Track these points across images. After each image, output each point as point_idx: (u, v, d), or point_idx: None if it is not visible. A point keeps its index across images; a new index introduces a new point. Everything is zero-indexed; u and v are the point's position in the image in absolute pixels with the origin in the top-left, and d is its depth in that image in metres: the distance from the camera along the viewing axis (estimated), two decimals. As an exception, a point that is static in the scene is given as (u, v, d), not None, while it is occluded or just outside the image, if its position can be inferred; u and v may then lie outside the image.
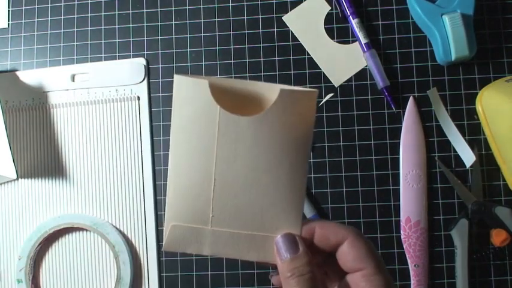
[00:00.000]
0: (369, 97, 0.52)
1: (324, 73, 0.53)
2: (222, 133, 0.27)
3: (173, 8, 0.55)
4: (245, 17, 0.54)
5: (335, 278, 0.28)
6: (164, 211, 0.28)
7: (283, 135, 0.26)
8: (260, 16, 0.54)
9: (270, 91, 0.26)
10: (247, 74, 0.53)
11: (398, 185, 0.51)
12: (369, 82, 0.52)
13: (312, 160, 0.52)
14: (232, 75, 0.54)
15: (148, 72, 0.54)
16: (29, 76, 0.55)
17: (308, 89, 0.26)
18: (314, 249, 0.27)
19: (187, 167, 0.28)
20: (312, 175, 0.52)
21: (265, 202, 0.27)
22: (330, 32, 0.53)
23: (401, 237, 0.50)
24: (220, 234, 0.28)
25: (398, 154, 0.51)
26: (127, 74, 0.54)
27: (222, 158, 0.27)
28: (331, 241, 0.27)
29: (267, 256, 0.28)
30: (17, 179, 0.54)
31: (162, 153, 0.53)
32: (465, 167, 0.50)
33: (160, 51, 0.55)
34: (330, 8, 0.54)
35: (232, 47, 0.54)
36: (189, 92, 0.27)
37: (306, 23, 0.54)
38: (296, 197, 0.27)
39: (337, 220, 0.51)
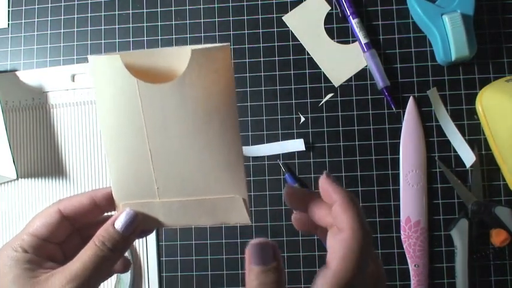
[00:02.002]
0: (369, 97, 0.52)
1: (324, 73, 0.53)
2: (146, 104, 0.26)
3: (173, 8, 0.55)
4: (245, 17, 0.54)
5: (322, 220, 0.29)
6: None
7: (205, 94, 0.26)
8: (260, 16, 0.54)
9: (183, 54, 0.26)
10: (247, 74, 0.53)
11: (398, 185, 0.51)
12: (369, 82, 0.52)
13: (311, 160, 0.52)
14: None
15: (148, 72, 0.54)
16: (29, 76, 0.55)
17: (219, 44, 0.26)
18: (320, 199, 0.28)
19: (121, 144, 0.28)
20: (312, 175, 0.52)
21: (204, 165, 0.27)
22: (330, 32, 0.53)
23: (401, 237, 0.50)
24: (170, 204, 0.28)
25: (398, 154, 0.51)
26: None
27: (152, 129, 0.27)
28: (328, 198, 0.28)
29: (218, 219, 0.28)
30: (17, 179, 0.54)
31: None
32: (465, 167, 0.50)
33: (160, 51, 0.54)
34: (330, 8, 0.54)
35: (232, 47, 0.54)
36: (105, 70, 0.26)
37: (306, 23, 0.54)
38: (233, 155, 0.27)
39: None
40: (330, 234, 0.27)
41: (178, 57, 0.26)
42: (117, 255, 0.28)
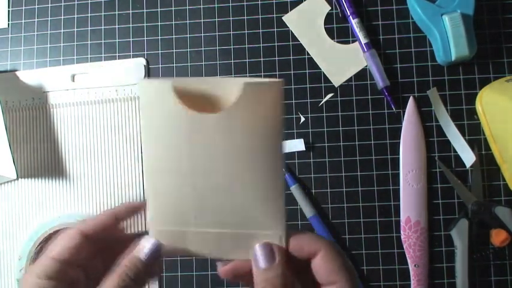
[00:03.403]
0: (369, 97, 0.52)
1: (324, 73, 0.53)
2: (192, 133, 0.26)
3: (173, 8, 0.55)
4: (245, 17, 0.54)
5: (309, 287, 0.27)
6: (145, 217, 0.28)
7: (252, 129, 0.26)
8: (260, 16, 0.54)
9: (235, 86, 0.25)
10: (247, 74, 0.53)
11: (398, 185, 0.51)
12: (369, 82, 0.52)
13: (311, 160, 0.52)
14: (232, 75, 0.54)
15: (148, 72, 0.54)
16: (29, 76, 0.55)
17: (273, 79, 0.25)
18: (290, 258, 0.27)
19: (163, 171, 0.27)
20: (312, 175, 0.52)
21: (245, 199, 0.27)
22: (330, 32, 0.53)
23: (401, 237, 0.50)
24: (204, 235, 0.28)
25: (398, 154, 0.51)
26: (127, 74, 0.54)
27: (196, 158, 0.27)
28: (304, 252, 0.26)
29: (251, 255, 0.27)
30: (17, 179, 0.54)
31: (162, 153, 0.53)
32: (465, 167, 0.50)
33: (160, 51, 0.55)
34: (330, 8, 0.54)
35: (232, 47, 0.54)
36: (154, 96, 0.26)
37: (306, 23, 0.54)
38: (274, 191, 0.27)
39: (337, 220, 0.51)
40: None
41: (229, 89, 0.26)
42: (139, 284, 0.27)
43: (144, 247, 0.27)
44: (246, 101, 0.25)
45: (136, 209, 0.30)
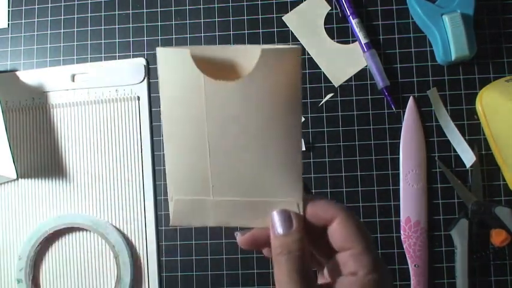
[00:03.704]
0: (369, 97, 0.52)
1: (324, 73, 0.53)
2: (210, 101, 0.26)
3: (173, 8, 0.55)
4: (245, 17, 0.54)
5: (327, 256, 0.27)
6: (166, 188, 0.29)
7: (271, 95, 0.26)
8: (260, 16, 0.54)
9: (253, 53, 0.25)
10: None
11: (398, 185, 0.51)
12: (369, 82, 0.52)
13: (311, 160, 0.52)
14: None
15: (149, 72, 0.54)
16: (29, 76, 0.55)
17: (291, 46, 0.25)
18: (306, 226, 0.27)
19: (180, 138, 0.27)
20: (312, 175, 0.52)
21: (262, 167, 0.27)
22: (330, 32, 0.53)
23: (401, 237, 0.50)
24: (222, 203, 0.28)
25: (398, 154, 0.51)
26: (127, 74, 0.54)
27: (213, 125, 0.26)
28: (321, 218, 0.26)
29: (269, 222, 0.27)
30: (17, 179, 0.54)
31: (162, 153, 0.53)
32: (465, 167, 0.50)
33: (160, 51, 0.54)
34: (330, 8, 0.54)
35: (232, 47, 0.54)
36: (173, 63, 0.26)
37: (306, 23, 0.54)
38: (293, 159, 0.27)
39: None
40: (335, 270, 0.26)
41: (247, 56, 0.25)
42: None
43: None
44: (265, 68, 0.25)
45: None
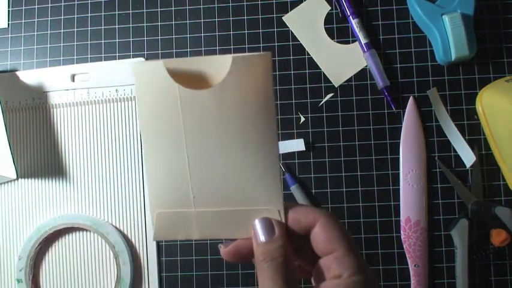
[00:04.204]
0: (369, 97, 0.52)
1: (324, 73, 0.53)
2: (186, 111, 0.26)
3: (173, 8, 0.55)
4: (245, 17, 0.54)
5: (312, 262, 0.27)
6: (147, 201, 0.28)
7: (244, 102, 0.26)
8: (260, 16, 0.54)
9: (225, 62, 0.26)
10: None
11: (398, 185, 0.51)
12: (369, 82, 0.52)
13: (312, 160, 0.52)
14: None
15: (148, 72, 0.54)
16: (29, 76, 0.55)
17: (260, 52, 0.26)
18: (289, 233, 0.27)
19: (160, 152, 0.28)
20: (312, 175, 0.52)
21: (242, 175, 0.27)
22: (330, 32, 0.53)
23: (401, 237, 0.50)
24: (205, 214, 0.28)
25: (399, 154, 0.51)
26: (127, 74, 0.54)
27: (191, 136, 0.27)
28: (302, 224, 0.26)
29: (251, 232, 0.27)
30: (17, 179, 0.54)
31: (162, 153, 0.53)
32: (465, 167, 0.50)
33: (160, 51, 0.55)
34: (330, 8, 0.54)
35: (232, 47, 0.54)
36: (148, 76, 0.27)
37: (306, 23, 0.54)
38: (271, 165, 0.27)
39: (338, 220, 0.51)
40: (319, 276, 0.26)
41: (219, 65, 0.26)
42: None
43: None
44: (236, 75, 0.26)
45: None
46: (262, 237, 0.26)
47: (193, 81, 0.26)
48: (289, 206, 0.27)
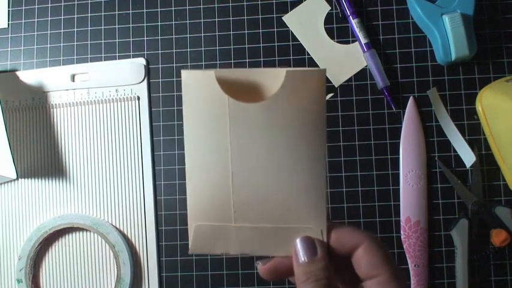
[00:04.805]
0: (369, 97, 0.52)
1: (324, 73, 0.53)
2: (234, 123, 0.26)
3: (173, 8, 0.55)
4: (245, 17, 0.54)
5: (351, 285, 0.27)
6: (186, 211, 0.28)
7: (295, 119, 0.25)
8: (260, 16, 0.54)
9: (277, 75, 0.25)
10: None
11: (398, 185, 0.51)
12: (369, 82, 0.52)
13: (312, 160, 0.52)
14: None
15: (149, 72, 0.54)
16: (29, 76, 0.55)
17: (315, 68, 0.25)
18: (329, 253, 0.26)
19: (203, 163, 0.27)
20: (312, 175, 0.52)
21: (286, 192, 0.26)
22: (330, 32, 0.53)
23: (401, 237, 0.50)
24: (244, 230, 0.27)
25: (399, 154, 0.51)
26: (127, 74, 0.54)
27: (237, 150, 0.26)
28: (346, 245, 0.26)
29: (291, 251, 0.27)
30: (17, 179, 0.54)
31: (162, 153, 0.53)
32: (465, 167, 0.50)
33: (160, 51, 0.55)
34: (330, 8, 0.54)
35: (232, 47, 0.54)
36: (197, 86, 0.26)
37: (306, 23, 0.54)
38: (317, 183, 0.26)
39: (338, 220, 0.51)
40: None
41: (271, 78, 0.25)
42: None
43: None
44: (289, 89, 0.25)
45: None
46: (303, 257, 0.25)
47: (244, 93, 0.26)
48: (332, 225, 0.27)
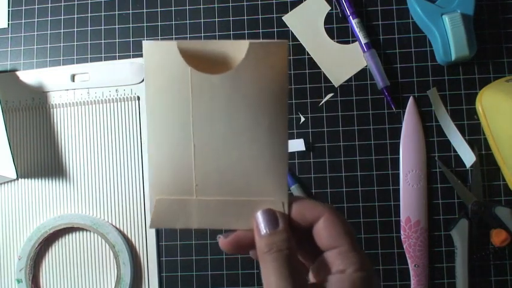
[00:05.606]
0: (369, 97, 0.52)
1: (324, 73, 0.53)
2: (196, 94, 0.26)
3: (173, 8, 0.55)
4: (245, 17, 0.54)
5: (312, 256, 0.27)
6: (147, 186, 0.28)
7: (258, 90, 0.25)
8: (260, 16, 0.54)
9: (240, 47, 0.25)
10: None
11: (398, 185, 0.51)
12: (369, 82, 0.52)
13: (312, 160, 0.52)
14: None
15: (148, 72, 0.54)
16: (29, 76, 0.55)
17: (278, 40, 0.25)
18: (291, 226, 0.26)
19: (165, 135, 0.27)
20: (312, 175, 0.52)
21: (248, 164, 0.26)
22: (330, 32, 0.53)
23: (401, 237, 0.50)
24: (206, 203, 0.27)
25: (399, 154, 0.51)
26: (127, 74, 0.54)
27: (199, 122, 0.26)
28: (307, 218, 0.26)
29: (252, 223, 0.27)
30: (17, 179, 0.54)
31: (162, 153, 0.53)
32: (465, 167, 0.50)
33: (160, 51, 0.54)
34: (330, 8, 0.54)
35: (232, 47, 0.54)
36: (159, 57, 0.26)
37: (306, 23, 0.54)
38: (279, 156, 0.26)
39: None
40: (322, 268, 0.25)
41: (234, 50, 0.25)
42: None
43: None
44: (252, 61, 0.25)
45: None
46: (265, 229, 0.26)
47: (207, 65, 0.25)
48: (293, 198, 0.27)
